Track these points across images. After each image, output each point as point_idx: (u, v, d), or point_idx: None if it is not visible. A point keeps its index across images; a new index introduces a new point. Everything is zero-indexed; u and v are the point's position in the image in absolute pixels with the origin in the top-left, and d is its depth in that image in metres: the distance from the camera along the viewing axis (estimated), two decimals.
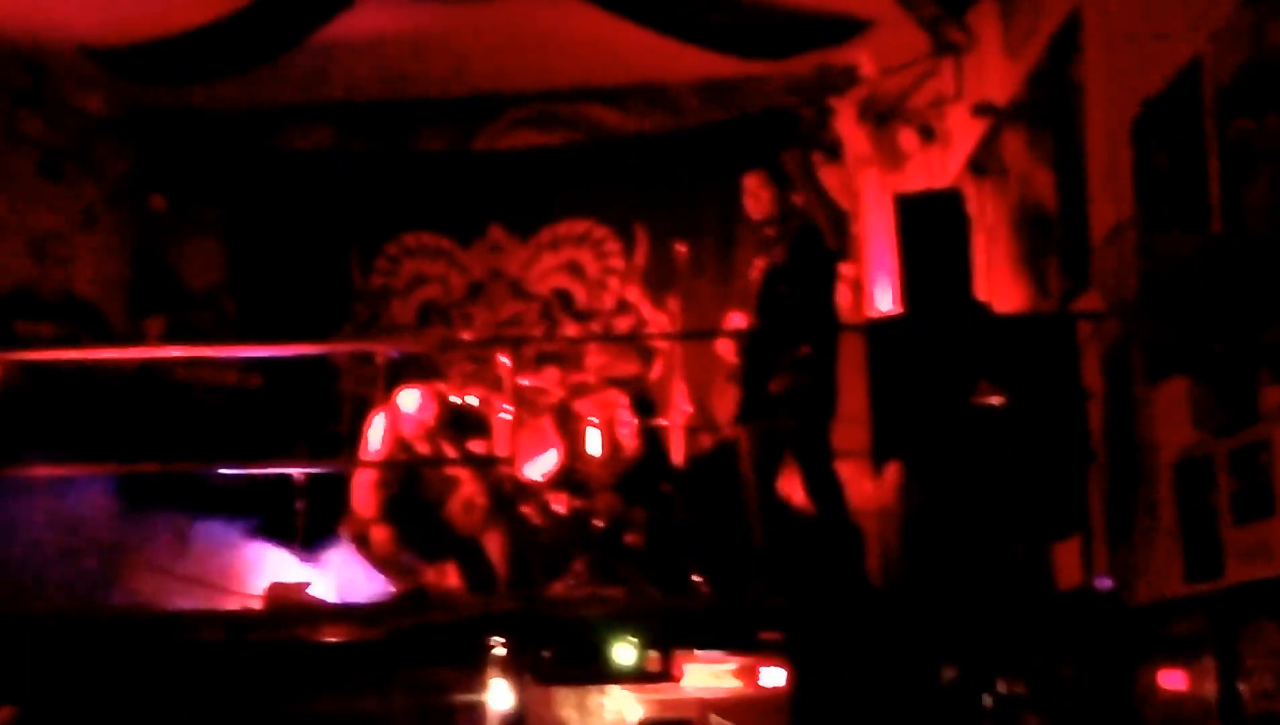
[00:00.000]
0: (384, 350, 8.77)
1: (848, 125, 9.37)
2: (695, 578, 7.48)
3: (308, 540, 7.66)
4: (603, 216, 10.41)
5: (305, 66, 9.33)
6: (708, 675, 6.79)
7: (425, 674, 6.73)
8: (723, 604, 7.01)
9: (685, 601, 7.20)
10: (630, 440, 8.19)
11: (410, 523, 7.69)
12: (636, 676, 6.52)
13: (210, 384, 8.80)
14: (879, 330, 6.87)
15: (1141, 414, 5.87)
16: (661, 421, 8.26)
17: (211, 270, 10.44)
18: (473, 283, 10.48)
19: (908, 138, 9.19)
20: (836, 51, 9.12)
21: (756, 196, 7.22)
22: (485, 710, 6.57)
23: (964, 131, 8.54)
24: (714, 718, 6.78)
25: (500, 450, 7.88)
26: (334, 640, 6.59)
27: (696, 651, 6.71)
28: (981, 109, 8.17)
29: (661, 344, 9.88)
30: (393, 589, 7.56)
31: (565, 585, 7.62)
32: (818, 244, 7.02)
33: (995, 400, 6.13)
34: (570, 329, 10.25)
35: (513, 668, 6.51)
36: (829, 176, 7.88)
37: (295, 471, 7.57)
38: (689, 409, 8.16)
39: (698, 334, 8.98)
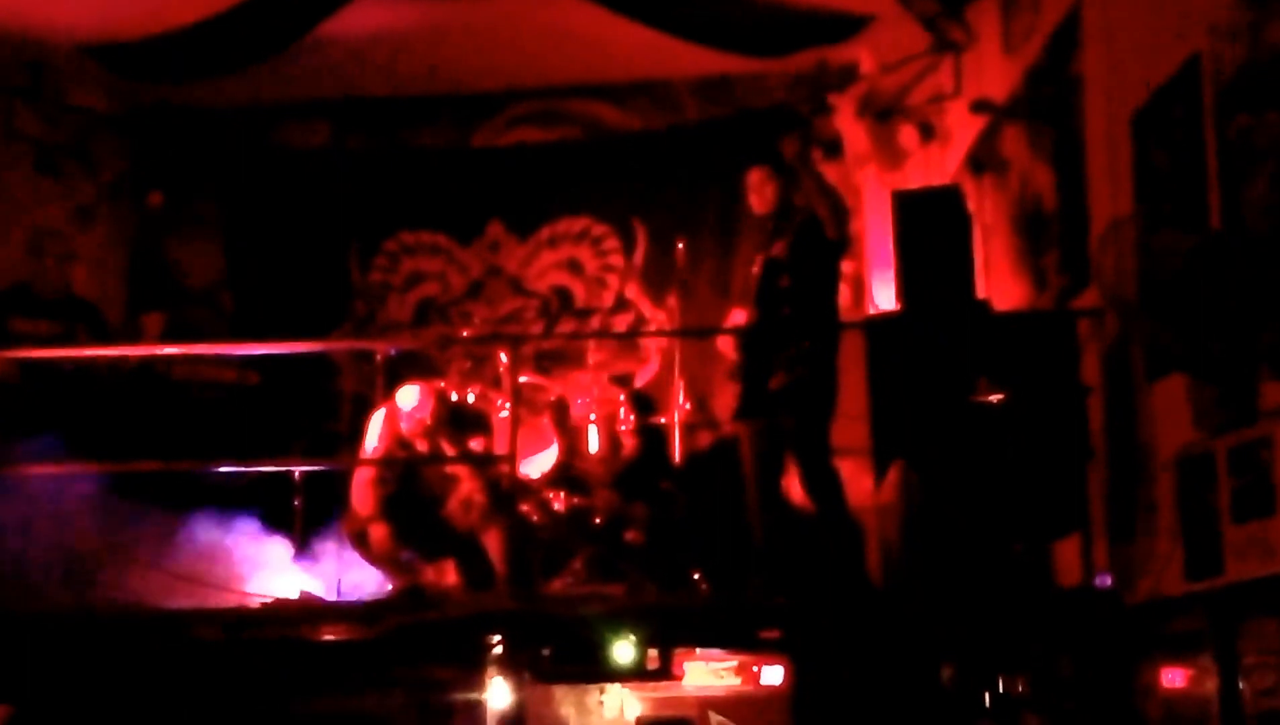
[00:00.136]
0: (382, 348, 8.74)
1: (847, 122, 9.35)
2: (694, 575, 7.47)
3: (305, 538, 7.65)
4: (602, 214, 10.39)
5: (304, 63, 9.32)
6: (707, 673, 6.78)
7: (424, 672, 6.72)
8: (722, 602, 7.00)
9: (685, 599, 7.19)
10: (629, 438, 8.18)
11: (409, 521, 7.67)
12: (636, 674, 6.51)
13: (208, 381, 8.78)
14: (878, 327, 6.86)
15: (1141, 412, 5.87)
16: (661, 419, 8.25)
17: (210, 268, 10.43)
18: (472, 280, 10.46)
19: (907, 135, 9.19)
20: (836, 48, 9.11)
21: (759, 191, 7.20)
22: (484, 708, 6.57)
23: (963, 128, 8.54)
24: (713, 716, 6.77)
25: (499, 448, 7.87)
26: (333, 639, 6.58)
27: (696, 649, 6.71)
28: (981, 106, 8.16)
29: (660, 341, 9.87)
30: (391, 587, 7.55)
31: (564, 583, 7.61)
32: (819, 237, 7.00)
33: (995, 398, 6.13)
34: (569, 326, 10.24)
35: (512, 666, 6.51)
36: (829, 173, 7.86)
37: (293, 469, 7.56)
38: (688, 406, 8.15)
39: (697, 332, 8.97)
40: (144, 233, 10.28)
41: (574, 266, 10.39)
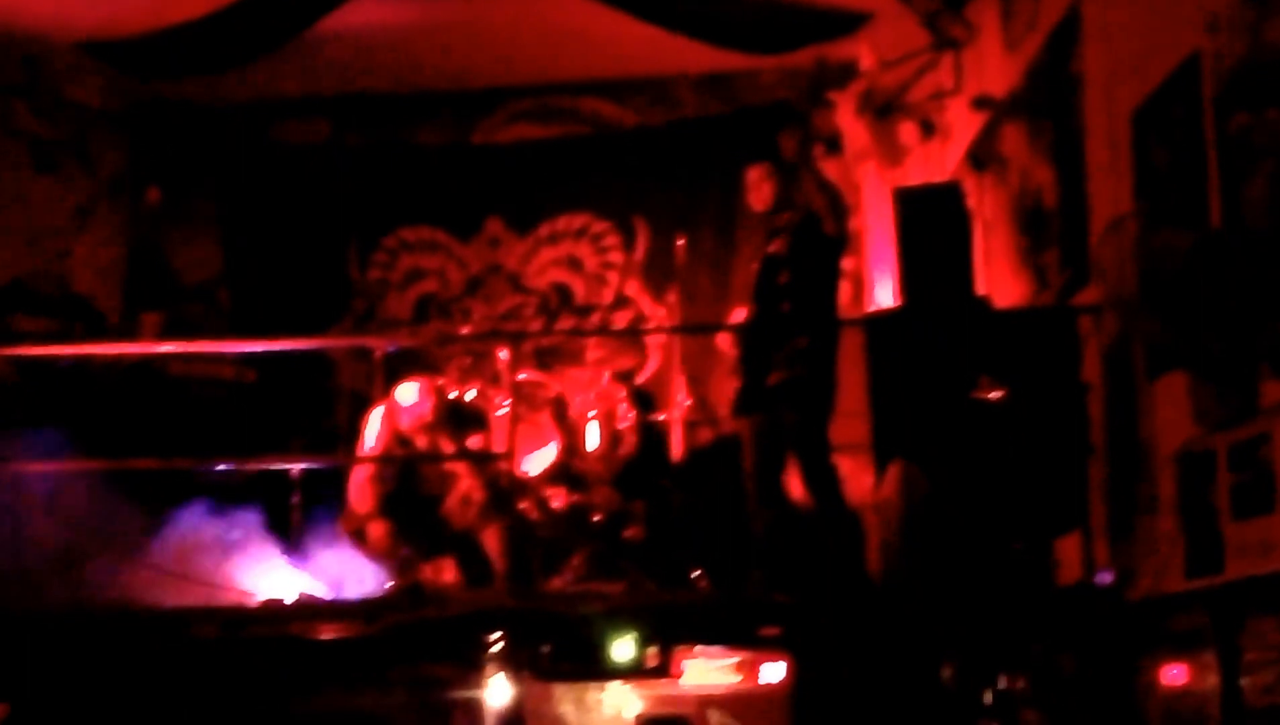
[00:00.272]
0: (381, 345, 8.72)
1: (847, 119, 9.34)
2: (694, 572, 7.46)
3: (303, 535, 7.64)
4: (602, 210, 10.39)
5: (303, 59, 9.32)
6: (707, 671, 6.76)
7: (423, 670, 6.70)
8: (722, 599, 6.99)
9: (684, 596, 7.18)
10: (629, 435, 8.16)
11: (407, 518, 7.66)
12: (635, 672, 6.49)
13: (206, 378, 8.77)
14: (878, 324, 6.86)
15: (1141, 409, 5.86)
16: (660, 416, 8.24)
17: (208, 264, 10.43)
18: (471, 277, 10.46)
19: (907, 131, 9.18)
20: (836, 45, 9.09)
21: (758, 188, 7.18)
22: (483, 706, 6.55)
23: (963, 125, 8.53)
24: (713, 713, 6.75)
25: (498, 445, 7.85)
26: (331, 637, 6.56)
27: (696, 647, 6.69)
28: (981, 102, 8.15)
29: (661, 338, 9.86)
30: (390, 585, 7.53)
31: (563, 580, 7.60)
32: (818, 234, 6.98)
33: (995, 395, 6.12)
34: (568, 323, 10.24)
35: (511, 663, 6.49)
36: (828, 170, 7.84)
37: (291, 466, 7.55)
38: (688, 403, 8.13)
39: (697, 328, 8.96)
40: (142, 229, 10.26)
41: (573, 263, 10.38)
